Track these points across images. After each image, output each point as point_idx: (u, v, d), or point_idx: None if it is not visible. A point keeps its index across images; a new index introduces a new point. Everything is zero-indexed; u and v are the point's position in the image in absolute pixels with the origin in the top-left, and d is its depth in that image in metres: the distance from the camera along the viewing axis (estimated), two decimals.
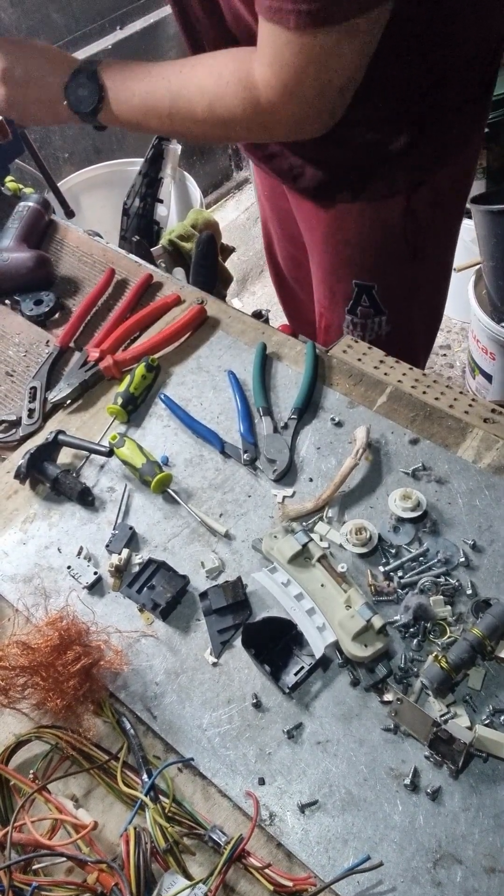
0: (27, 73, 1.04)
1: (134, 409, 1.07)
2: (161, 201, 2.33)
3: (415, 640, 0.82)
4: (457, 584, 0.86)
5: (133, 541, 0.94)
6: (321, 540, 0.91)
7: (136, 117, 1.03)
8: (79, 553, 0.94)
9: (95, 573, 0.91)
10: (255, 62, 0.90)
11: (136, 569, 0.91)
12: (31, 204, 1.34)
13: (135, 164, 2.41)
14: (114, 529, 0.95)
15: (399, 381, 1.06)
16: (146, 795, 0.72)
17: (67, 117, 1.06)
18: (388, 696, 0.79)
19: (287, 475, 0.98)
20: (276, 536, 0.89)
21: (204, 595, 0.88)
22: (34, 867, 0.71)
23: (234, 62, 0.94)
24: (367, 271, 1.26)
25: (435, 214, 1.21)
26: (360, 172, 1.14)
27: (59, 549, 0.95)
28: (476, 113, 1.14)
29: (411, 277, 1.29)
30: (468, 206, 2.01)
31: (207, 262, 1.84)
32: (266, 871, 0.68)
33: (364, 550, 0.89)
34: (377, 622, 0.80)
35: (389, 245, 1.22)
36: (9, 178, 1.44)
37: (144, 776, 0.75)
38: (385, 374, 1.07)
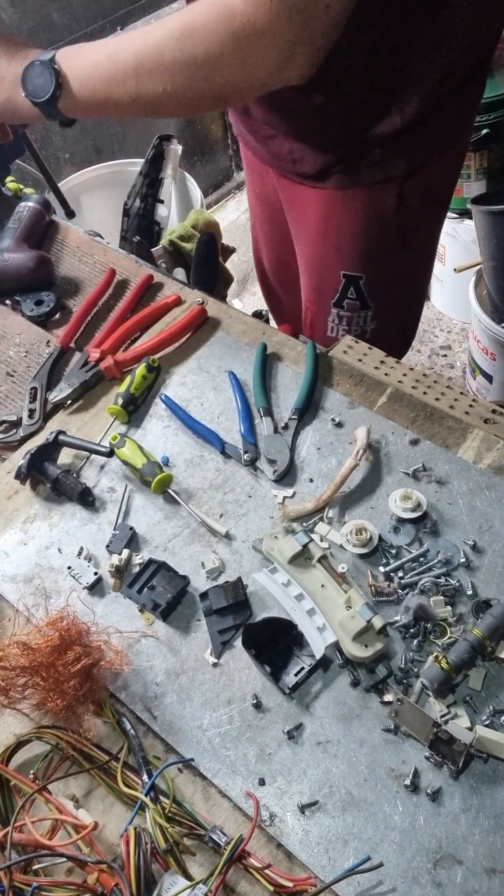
0: None
1: (134, 410, 1.07)
2: (162, 202, 2.33)
3: (415, 641, 0.82)
4: (457, 584, 0.86)
5: (133, 541, 0.94)
6: (321, 540, 0.91)
7: (101, 91, 0.94)
8: (79, 553, 0.94)
9: (96, 573, 0.91)
10: None
11: (137, 569, 0.91)
12: (31, 204, 1.34)
13: (135, 165, 2.41)
14: (114, 530, 0.95)
15: (400, 381, 1.06)
16: (146, 796, 0.72)
17: (28, 113, 0.99)
18: (388, 697, 0.79)
19: (287, 475, 0.98)
20: (276, 537, 0.89)
21: (204, 595, 0.88)
22: (34, 867, 0.71)
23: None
24: (355, 261, 1.26)
25: (425, 205, 1.21)
26: (357, 156, 1.13)
27: (59, 550, 0.95)
28: (469, 102, 1.15)
29: (399, 269, 1.30)
30: (469, 206, 2.02)
31: (208, 262, 1.84)
32: (266, 871, 0.68)
33: (364, 551, 0.89)
34: (377, 623, 0.80)
35: (380, 233, 1.22)
36: (9, 178, 1.44)
37: (145, 776, 0.75)
38: (386, 374, 1.07)
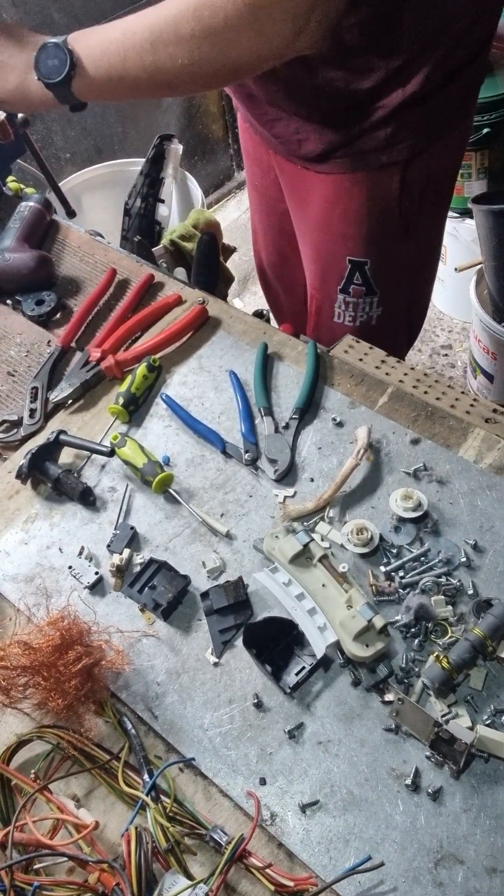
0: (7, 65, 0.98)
1: (135, 409, 1.07)
2: (162, 201, 2.33)
3: (416, 641, 0.82)
4: (458, 584, 0.86)
5: (134, 541, 0.94)
6: (322, 540, 0.91)
7: (116, 69, 0.94)
8: (80, 553, 0.94)
9: (97, 573, 0.91)
10: None
11: (138, 569, 0.91)
12: (32, 204, 1.35)
13: (136, 164, 2.41)
14: (115, 529, 0.95)
15: (400, 381, 1.06)
16: (147, 795, 0.72)
17: (40, 98, 0.99)
18: (389, 697, 0.79)
19: (288, 475, 0.98)
20: (277, 536, 0.89)
21: (205, 595, 0.88)
22: (35, 867, 0.71)
23: None
24: (361, 247, 1.28)
25: (427, 190, 1.23)
26: (360, 136, 1.14)
27: (60, 549, 0.95)
28: (469, 84, 1.16)
29: (403, 257, 1.31)
30: (470, 206, 2.02)
31: (209, 262, 1.84)
32: (267, 870, 0.68)
33: (365, 550, 0.89)
34: (378, 622, 0.80)
35: (384, 218, 1.24)
36: (10, 178, 1.44)
37: (146, 776, 0.76)
38: (387, 374, 1.07)
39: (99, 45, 0.94)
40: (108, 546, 0.94)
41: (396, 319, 1.42)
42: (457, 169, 1.33)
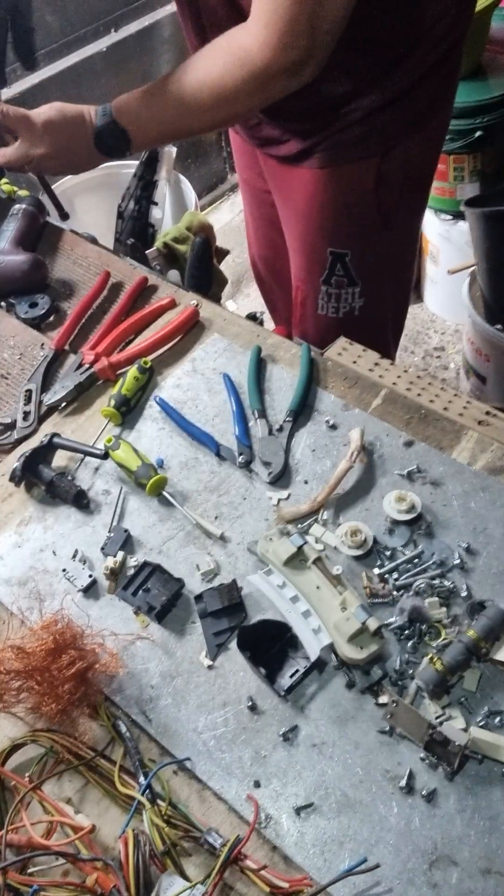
0: (61, 151, 1.14)
1: (128, 412, 1.07)
2: (156, 204, 2.32)
3: (410, 643, 0.82)
4: (452, 586, 0.86)
5: (128, 544, 0.94)
6: (316, 542, 0.91)
7: (161, 136, 1.17)
8: (74, 556, 0.94)
9: (90, 576, 0.91)
10: (246, 30, 0.98)
11: (132, 572, 0.91)
12: (25, 206, 1.34)
13: (129, 167, 2.40)
14: (109, 532, 0.95)
15: (394, 383, 1.07)
16: (143, 795, 0.72)
17: (99, 163, 1.17)
18: (383, 699, 0.79)
19: (282, 478, 0.98)
20: (271, 539, 0.89)
21: (199, 598, 0.88)
22: (30, 870, 0.71)
23: (225, 42, 1.02)
24: (341, 239, 1.32)
25: (405, 182, 1.27)
26: (337, 136, 1.19)
27: (54, 552, 0.95)
28: (444, 77, 1.20)
29: (383, 246, 1.35)
30: (462, 208, 2.02)
31: (202, 264, 1.84)
32: (262, 872, 0.68)
33: (359, 553, 0.89)
34: (372, 624, 0.80)
35: (362, 211, 1.28)
36: (3, 180, 1.43)
37: (141, 778, 0.75)
38: (380, 376, 1.08)
39: (144, 124, 1.10)
40: (102, 549, 0.94)
41: (380, 310, 1.46)
42: (435, 161, 1.37)
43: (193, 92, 1.04)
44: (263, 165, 1.39)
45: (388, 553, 0.90)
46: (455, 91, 1.28)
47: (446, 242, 2.40)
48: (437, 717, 0.77)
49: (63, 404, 1.10)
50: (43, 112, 1.12)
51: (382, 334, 1.51)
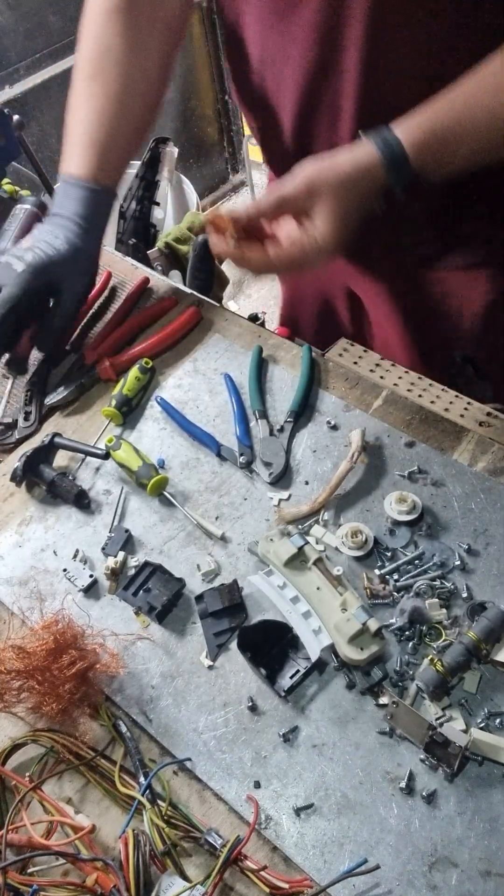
0: (353, 209, 0.93)
1: (129, 412, 1.07)
2: (157, 204, 2.33)
3: (410, 644, 0.82)
4: (452, 587, 0.86)
5: (129, 544, 0.94)
6: (317, 543, 0.91)
7: (457, 161, 0.95)
8: (75, 556, 0.94)
9: (91, 576, 0.91)
10: None
11: (132, 572, 0.91)
12: (27, 206, 1.34)
13: (131, 167, 2.41)
14: (110, 532, 0.95)
15: (395, 384, 1.07)
16: (143, 795, 0.72)
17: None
18: (383, 700, 0.79)
19: (283, 478, 0.98)
20: (272, 539, 0.89)
21: (200, 598, 0.88)
22: (30, 870, 0.71)
23: None
24: (469, 341, 1.22)
25: None
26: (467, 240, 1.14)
27: (54, 552, 0.95)
28: None
29: None
30: None
31: (204, 265, 1.84)
32: (262, 873, 0.68)
33: (360, 553, 0.89)
34: (373, 625, 0.80)
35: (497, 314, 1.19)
36: (5, 180, 1.44)
37: (141, 778, 0.75)
38: (381, 377, 1.08)
39: (437, 147, 0.92)
40: (103, 549, 0.94)
41: None
42: None
43: (488, 105, 0.90)
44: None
45: (388, 554, 0.90)
46: None
47: None
48: (437, 719, 0.77)
49: (64, 404, 1.10)
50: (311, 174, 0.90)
51: None
